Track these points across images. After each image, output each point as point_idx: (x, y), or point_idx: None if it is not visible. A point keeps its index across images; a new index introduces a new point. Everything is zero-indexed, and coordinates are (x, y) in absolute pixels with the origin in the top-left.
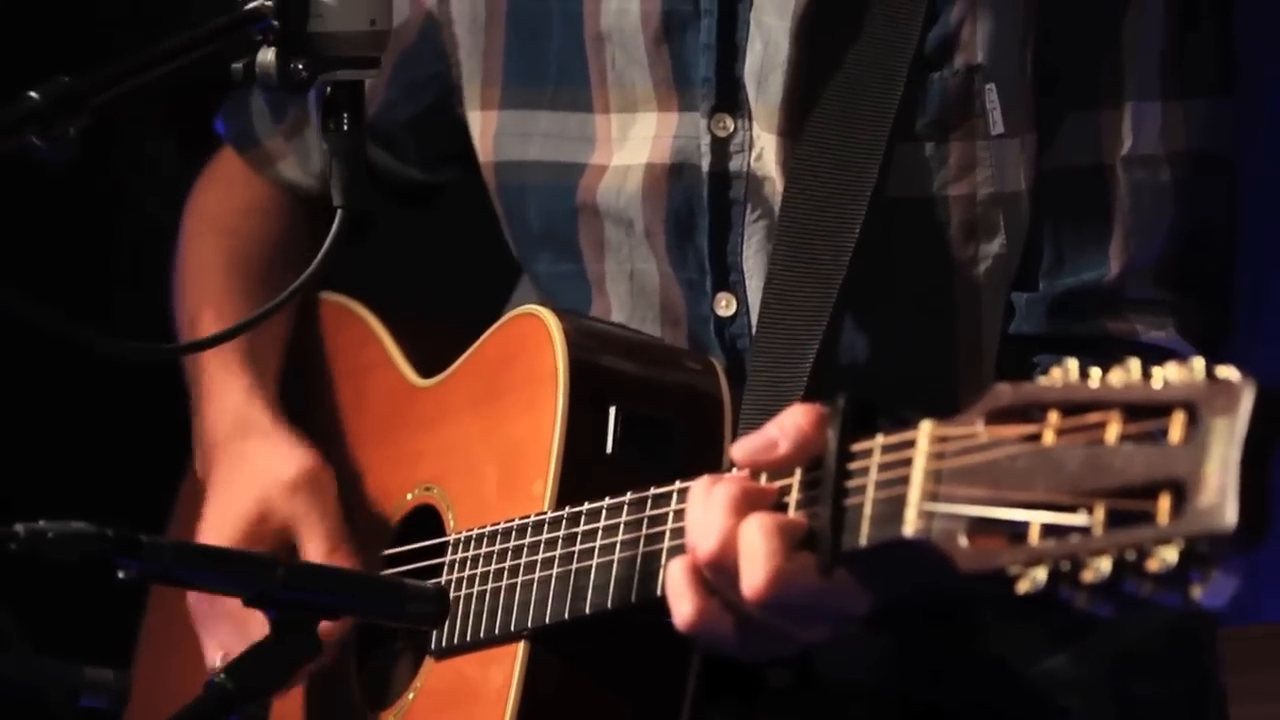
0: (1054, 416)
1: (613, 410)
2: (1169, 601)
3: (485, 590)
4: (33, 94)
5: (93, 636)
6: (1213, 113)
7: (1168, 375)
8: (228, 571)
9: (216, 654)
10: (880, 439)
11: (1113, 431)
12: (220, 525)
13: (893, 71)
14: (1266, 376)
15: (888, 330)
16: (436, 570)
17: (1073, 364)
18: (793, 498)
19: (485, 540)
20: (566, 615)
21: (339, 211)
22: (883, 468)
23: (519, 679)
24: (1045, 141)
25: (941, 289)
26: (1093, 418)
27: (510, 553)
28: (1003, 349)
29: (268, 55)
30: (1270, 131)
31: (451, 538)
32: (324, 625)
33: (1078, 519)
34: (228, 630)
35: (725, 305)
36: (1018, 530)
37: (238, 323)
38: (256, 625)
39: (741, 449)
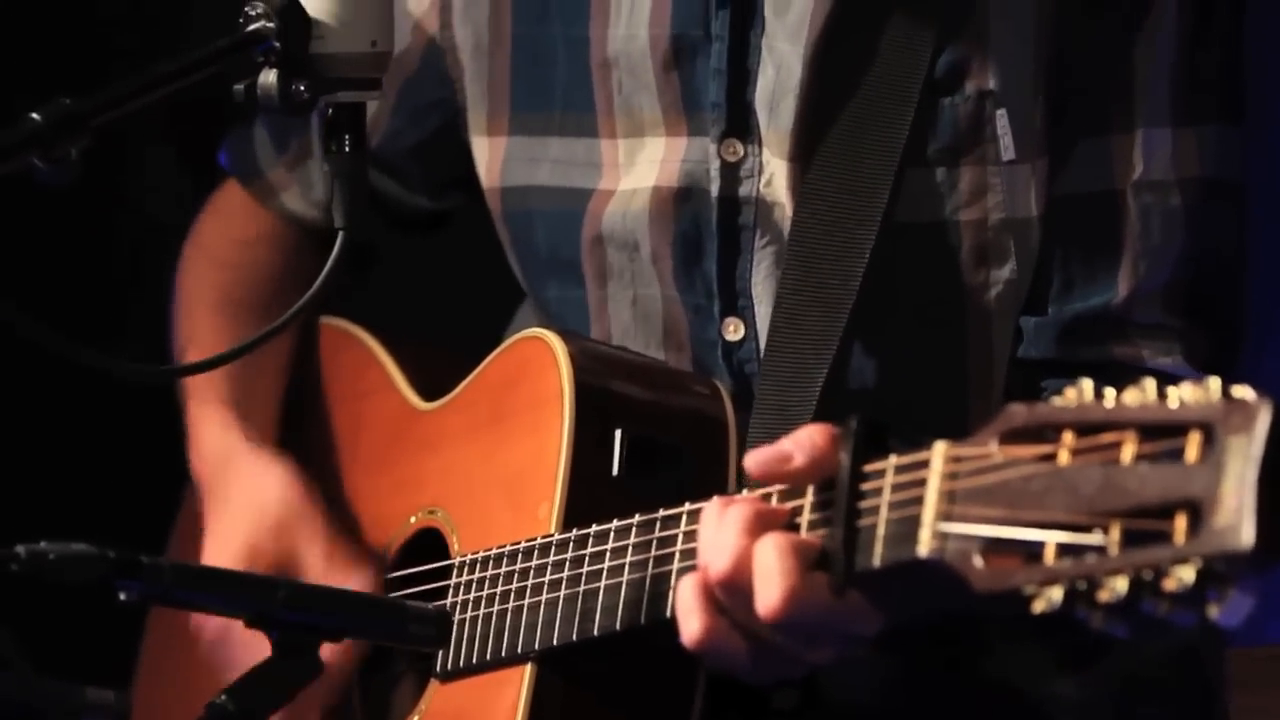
0: (1069, 437)
1: (618, 433)
2: (1185, 621)
3: (491, 613)
4: (34, 115)
5: (93, 657)
6: (1223, 140)
7: (1183, 395)
8: (228, 592)
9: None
10: (894, 459)
11: (1128, 451)
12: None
13: (904, 97)
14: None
15: (898, 356)
16: (442, 593)
17: (1087, 384)
18: (805, 518)
19: (491, 563)
20: (574, 637)
21: (340, 233)
22: (896, 488)
23: (526, 701)
24: (1056, 167)
25: (952, 315)
26: (1108, 438)
27: (517, 575)
28: (1010, 373)
29: (269, 77)
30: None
31: (456, 560)
32: (329, 649)
33: (1093, 539)
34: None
35: (734, 330)
36: (1033, 550)
37: (234, 346)
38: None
39: (755, 459)
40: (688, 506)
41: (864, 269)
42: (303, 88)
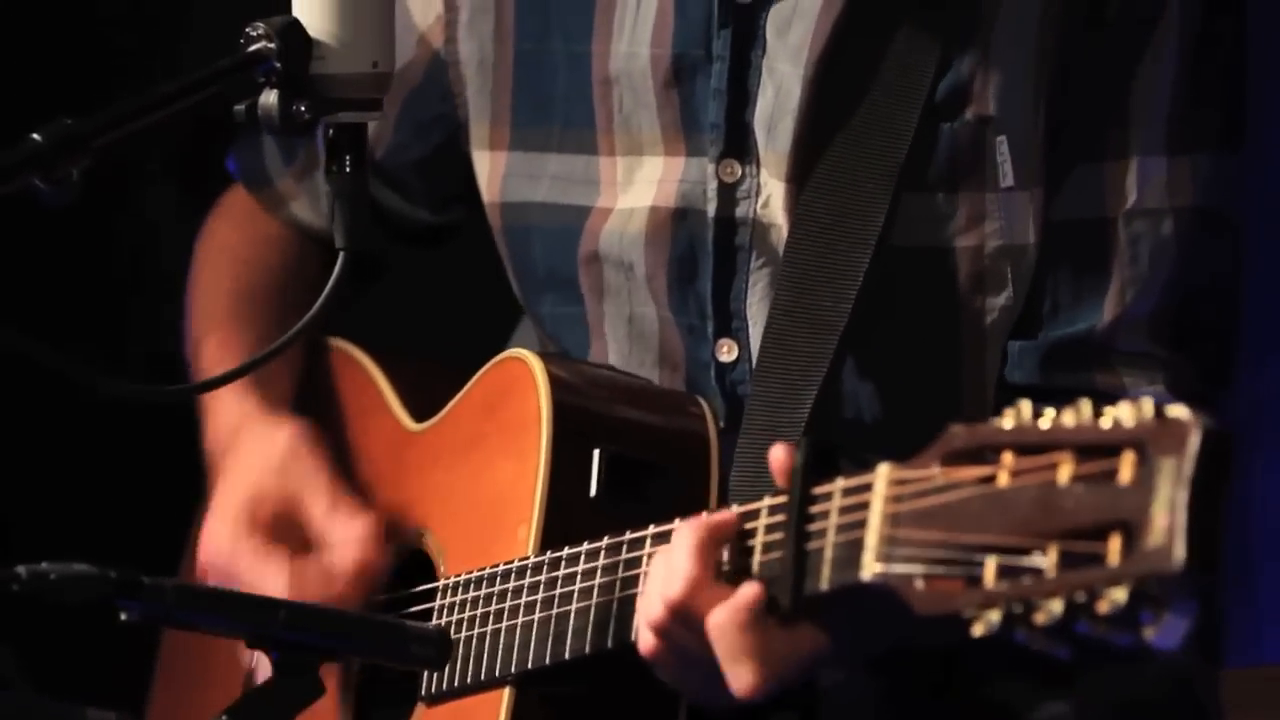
0: (1008, 457)
1: (596, 453)
2: (1122, 642)
3: (473, 635)
4: (35, 136)
5: (96, 677)
6: (1219, 168)
7: (1118, 415)
8: (229, 613)
9: None
10: (840, 482)
11: (1065, 472)
12: (220, 527)
13: (903, 121)
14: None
15: (892, 379)
16: (427, 615)
17: (1025, 404)
18: (759, 539)
19: (472, 585)
20: (548, 660)
21: (341, 254)
22: (842, 510)
23: None
24: (1051, 192)
25: (946, 340)
26: (1046, 459)
27: (495, 597)
28: (998, 397)
29: (270, 97)
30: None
31: (440, 584)
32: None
33: (1032, 561)
34: None
35: (727, 351)
36: (973, 573)
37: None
38: None
39: None
40: (652, 530)
41: (857, 292)
42: (303, 108)
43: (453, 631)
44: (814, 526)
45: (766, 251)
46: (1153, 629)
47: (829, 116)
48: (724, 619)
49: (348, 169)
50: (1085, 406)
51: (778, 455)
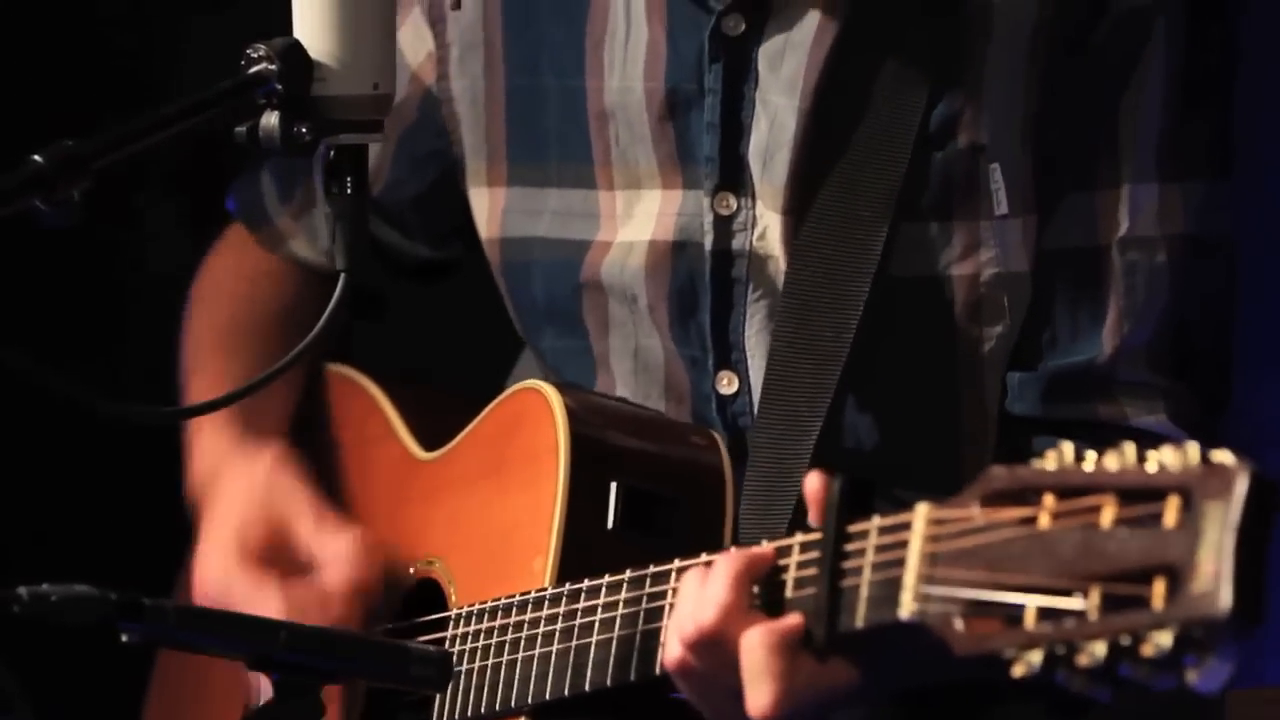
0: (1049, 499)
1: (614, 485)
2: (1164, 685)
3: (486, 666)
4: (36, 158)
5: (95, 699)
6: (1210, 196)
7: (1163, 459)
8: (230, 634)
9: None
10: (877, 520)
11: (1108, 515)
12: (211, 561)
13: (896, 150)
14: None
15: (891, 409)
16: (439, 645)
17: (1068, 447)
18: (790, 576)
19: (486, 616)
20: (566, 692)
21: (341, 277)
22: (879, 549)
23: None
24: (1043, 221)
25: (946, 368)
26: (1088, 501)
27: (511, 628)
28: (1000, 428)
29: (271, 119)
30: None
31: (453, 613)
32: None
33: (1073, 603)
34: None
35: (727, 383)
36: (1013, 614)
37: (240, 374)
38: None
39: None
40: (678, 564)
41: (857, 322)
42: (304, 130)
43: (467, 661)
44: (850, 564)
45: (764, 283)
46: (1196, 672)
47: (824, 148)
48: (756, 639)
49: (348, 190)
50: (1129, 450)
51: (813, 485)
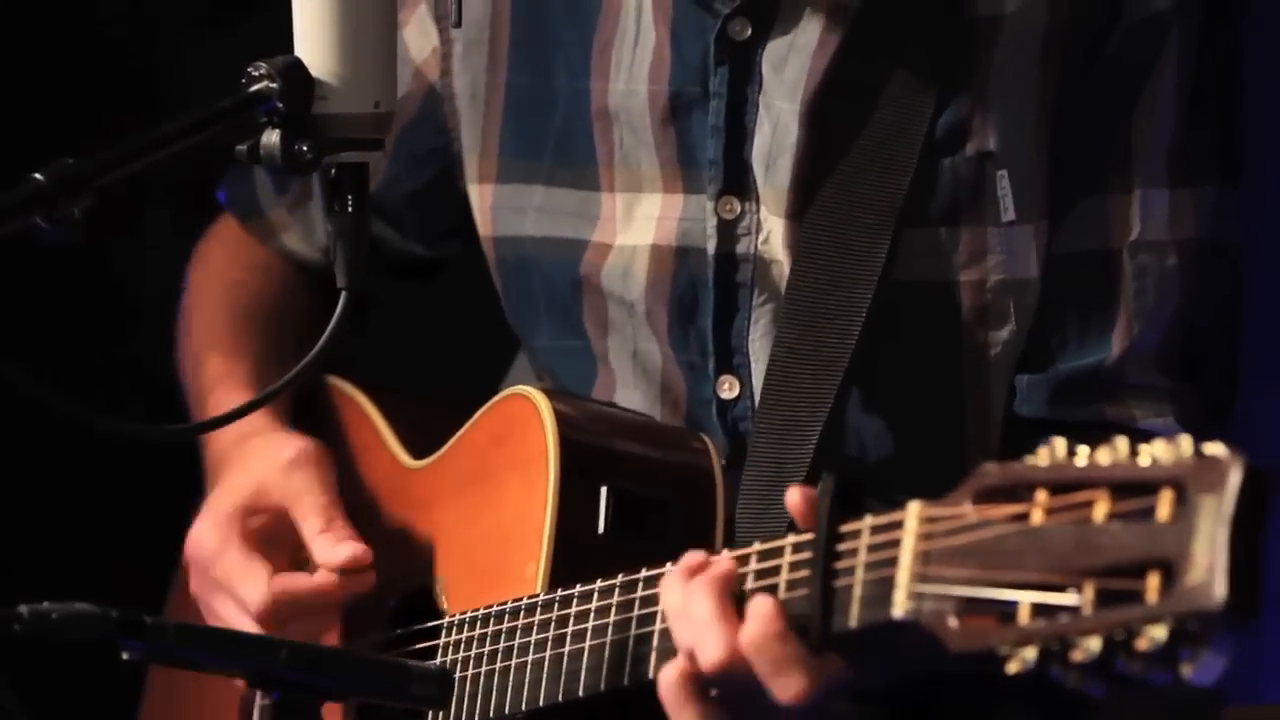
0: (1042, 495)
1: (604, 490)
2: (1159, 679)
3: (480, 673)
4: (37, 176)
5: (93, 712)
6: (1220, 200)
7: (1155, 453)
8: (231, 652)
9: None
10: (869, 519)
11: (1101, 510)
12: (215, 509)
13: (902, 156)
14: None
15: (896, 415)
16: (432, 653)
17: (1060, 443)
18: (782, 578)
19: (479, 623)
20: (560, 698)
21: (343, 294)
22: (871, 549)
23: None
24: (1054, 226)
25: (951, 374)
26: (1080, 496)
27: (504, 635)
28: (1005, 431)
29: (272, 137)
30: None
31: (445, 620)
32: None
33: (1067, 598)
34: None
35: (728, 388)
36: (1007, 610)
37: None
38: None
39: None
40: (669, 567)
41: (860, 327)
42: (305, 148)
43: (460, 669)
44: (842, 564)
45: (768, 288)
46: (1191, 666)
47: (827, 152)
48: (756, 632)
49: (349, 208)
50: (1122, 444)
51: (794, 498)
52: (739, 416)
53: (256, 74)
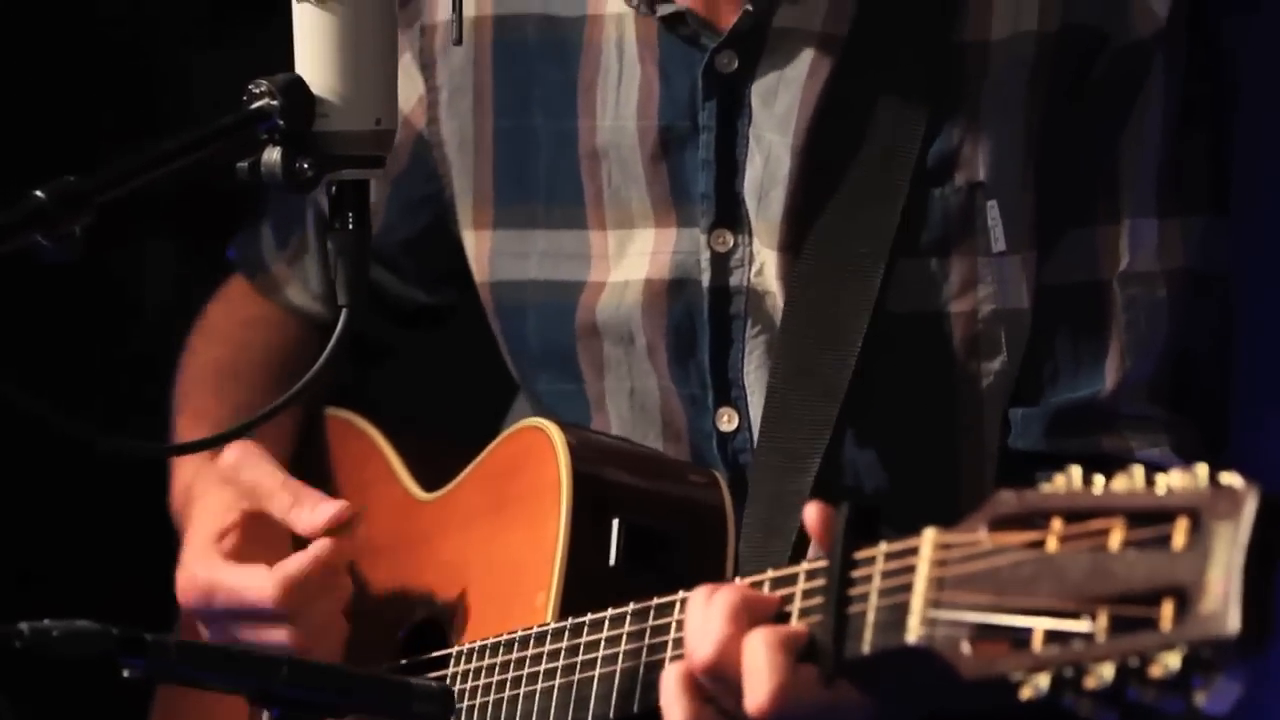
0: (1057, 523)
1: (615, 523)
2: (1172, 708)
3: (489, 702)
4: (37, 193)
5: None
6: (1208, 230)
7: (1171, 482)
8: (232, 670)
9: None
10: (884, 546)
11: (1116, 538)
12: (190, 553)
13: (893, 187)
14: None
15: (889, 445)
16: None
17: (1076, 471)
18: (795, 606)
19: (488, 652)
20: None
21: (343, 311)
22: (886, 575)
23: None
24: (1044, 257)
25: (944, 405)
26: (1096, 524)
27: (513, 664)
28: (1001, 463)
29: (273, 155)
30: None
31: (454, 650)
32: None
33: (1081, 625)
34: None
35: (727, 420)
36: (1021, 637)
37: (232, 414)
38: None
39: None
40: (681, 595)
41: (856, 359)
42: (306, 165)
43: (469, 698)
44: (856, 590)
45: (762, 319)
46: (1204, 694)
47: (819, 184)
48: (758, 640)
49: (350, 226)
50: (1138, 473)
51: (813, 514)
52: (738, 449)
53: (257, 91)
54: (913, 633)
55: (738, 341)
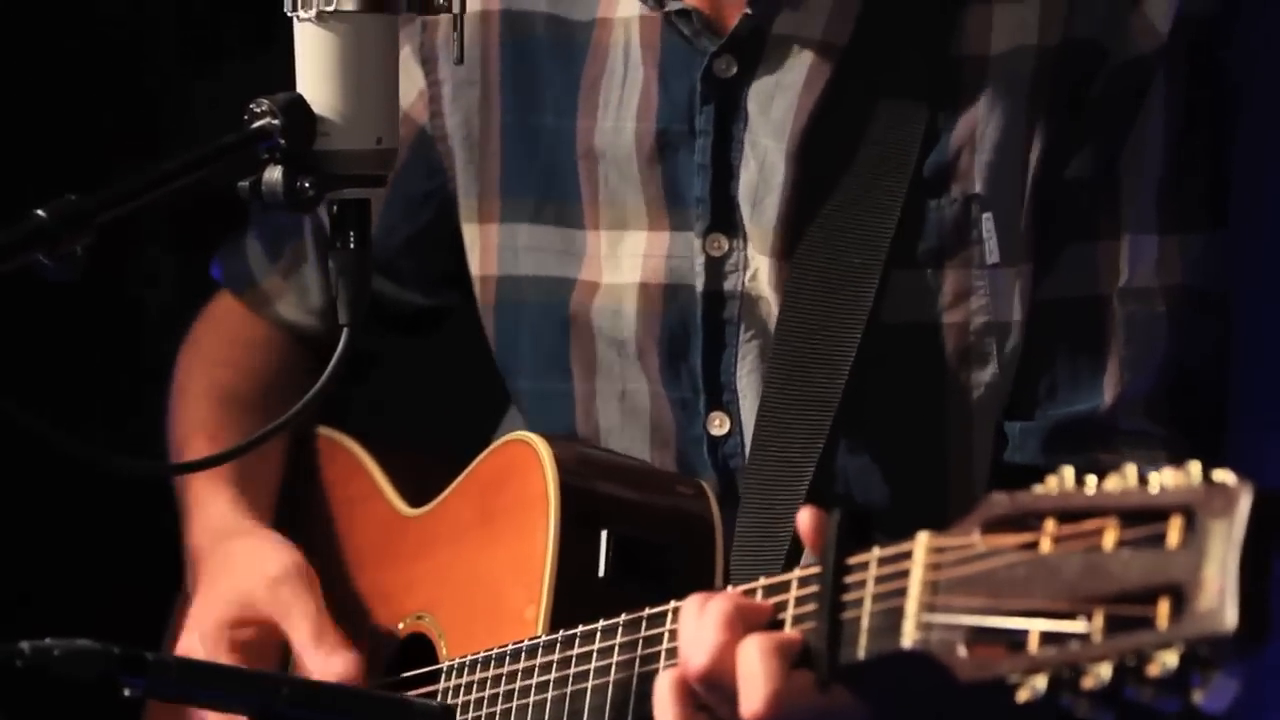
0: (1050, 524)
1: (604, 534)
2: (1170, 706)
3: (480, 716)
4: (39, 212)
5: None
6: (1207, 247)
7: (1164, 480)
8: (232, 690)
9: None
10: (877, 551)
11: (1110, 538)
12: (203, 620)
13: (889, 197)
14: None
15: (880, 454)
16: (432, 698)
17: (1068, 472)
18: (789, 613)
19: (479, 666)
20: None
21: (344, 331)
22: (880, 580)
23: None
24: (1042, 272)
25: (935, 415)
26: (1089, 524)
27: (505, 677)
28: (994, 477)
29: (274, 174)
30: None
31: (445, 665)
32: None
33: (1077, 626)
34: None
35: (719, 425)
36: (1017, 639)
37: (233, 438)
38: None
39: None
40: (673, 605)
41: (849, 368)
42: (307, 184)
43: (461, 713)
44: (849, 596)
45: (755, 324)
46: (1202, 692)
47: (814, 192)
48: (753, 645)
49: (352, 245)
50: (1131, 472)
51: (806, 520)
52: (729, 454)
53: (258, 110)
54: (908, 637)
55: (731, 346)
